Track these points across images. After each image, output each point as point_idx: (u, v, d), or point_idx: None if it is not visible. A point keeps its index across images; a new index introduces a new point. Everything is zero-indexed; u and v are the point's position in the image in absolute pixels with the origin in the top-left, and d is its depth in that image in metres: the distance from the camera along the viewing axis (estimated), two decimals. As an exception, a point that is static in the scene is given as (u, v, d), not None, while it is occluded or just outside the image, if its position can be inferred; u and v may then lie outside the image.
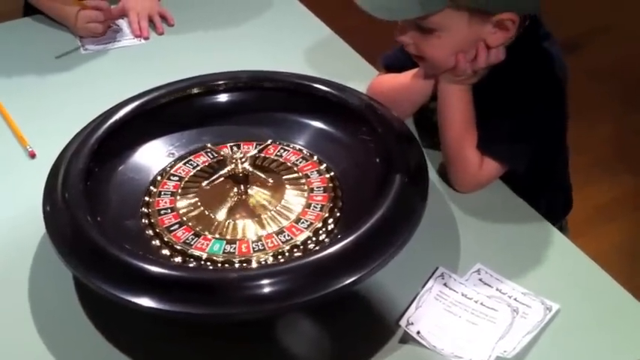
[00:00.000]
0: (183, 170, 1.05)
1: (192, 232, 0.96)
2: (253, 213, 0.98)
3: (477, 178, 1.09)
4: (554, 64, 1.08)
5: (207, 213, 0.98)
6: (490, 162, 1.07)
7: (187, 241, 0.95)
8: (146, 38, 1.52)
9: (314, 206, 0.99)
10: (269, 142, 1.06)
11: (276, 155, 1.07)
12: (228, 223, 0.97)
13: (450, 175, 1.11)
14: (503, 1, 0.98)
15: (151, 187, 1.03)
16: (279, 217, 0.98)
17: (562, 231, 1.08)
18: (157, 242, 0.95)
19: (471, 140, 1.08)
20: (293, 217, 0.98)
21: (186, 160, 1.07)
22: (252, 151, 1.04)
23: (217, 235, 0.95)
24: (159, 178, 1.04)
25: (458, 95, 1.07)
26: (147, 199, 1.01)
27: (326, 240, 0.95)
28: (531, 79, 1.06)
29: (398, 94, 1.16)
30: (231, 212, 0.99)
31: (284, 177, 1.03)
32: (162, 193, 1.02)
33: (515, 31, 1.01)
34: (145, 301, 0.82)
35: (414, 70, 1.14)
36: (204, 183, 0.99)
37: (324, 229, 0.96)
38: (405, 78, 1.15)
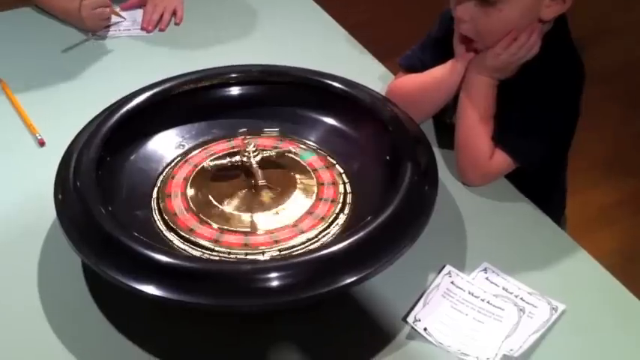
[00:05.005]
0: (194, 161, 1.06)
1: (199, 221, 0.96)
2: (262, 206, 0.99)
3: (485, 169, 1.09)
4: (579, 66, 1.09)
5: (216, 204, 0.98)
6: (501, 154, 1.08)
7: (194, 230, 0.95)
8: (149, 32, 1.52)
9: (323, 202, 0.99)
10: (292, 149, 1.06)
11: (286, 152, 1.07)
12: (236, 215, 0.97)
13: (459, 164, 1.11)
14: None
15: (161, 178, 1.03)
16: (287, 212, 0.98)
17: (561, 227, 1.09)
18: (166, 231, 0.96)
19: (485, 130, 1.08)
20: (300, 214, 0.97)
21: (197, 152, 1.08)
22: (268, 152, 1.03)
23: (225, 227, 0.96)
24: (168, 170, 1.05)
25: (485, 89, 1.08)
26: (157, 189, 1.01)
27: (334, 237, 0.95)
28: (557, 78, 1.07)
29: (424, 92, 1.16)
30: (239, 204, 0.99)
31: (294, 173, 1.03)
32: (174, 184, 1.02)
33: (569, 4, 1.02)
34: (154, 290, 0.82)
35: (443, 66, 1.13)
36: (210, 165, 0.99)
37: (331, 228, 0.96)
38: (432, 75, 1.15)
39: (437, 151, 1.03)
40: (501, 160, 1.08)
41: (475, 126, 1.08)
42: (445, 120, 1.19)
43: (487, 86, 1.08)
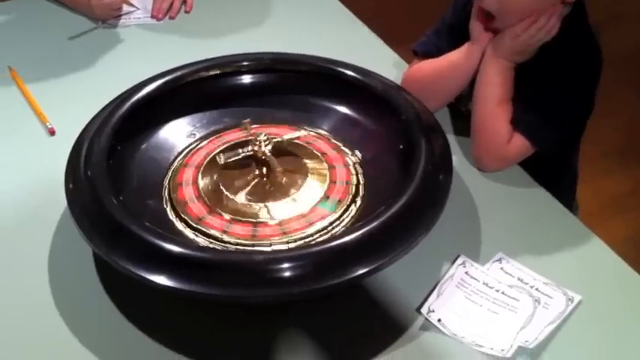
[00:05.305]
0: (206, 150, 1.05)
1: (211, 212, 0.95)
2: (272, 196, 0.98)
3: (502, 154, 1.08)
4: (596, 50, 1.08)
5: (227, 194, 0.98)
6: (520, 138, 1.06)
7: (205, 220, 0.94)
8: (159, 20, 1.51)
9: (335, 192, 0.98)
10: (304, 133, 1.05)
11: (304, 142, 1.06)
12: (247, 205, 0.96)
13: (475, 149, 1.10)
14: None
15: (173, 167, 1.02)
16: (299, 202, 0.97)
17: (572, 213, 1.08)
18: (177, 222, 0.95)
19: (503, 114, 1.07)
20: (314, 202, 0.97)
21: (208, 141, 1.07)
22: (286, 135, 1.02)
23: (236, 217, 0.95)
24: (179, 159, 1.04)
25: (502, 72, 1.07)
26: (168, 178, 1.01)
27: (347, 227, 0.94)
28: (575, 61, 1.06)
29: (441, 78, 1.14)
30: (250, 194, 0.98)
31: (306, 162, 1.02)
32: (185, 173, 1.01)
33: None
34: (165, 280, 0.81)
35: (459, 50, 1.12)
36: (222, 158, 0.98)
37: (344, 216, 0.95)
38: (448, 59, 1.14)
39: (451, 139, 1.01)
40: (520, 144, 1.07)
41: (492, 110, 1.07)
42: (460, 108, 1.18)
43: (505, 69, 1.07)
